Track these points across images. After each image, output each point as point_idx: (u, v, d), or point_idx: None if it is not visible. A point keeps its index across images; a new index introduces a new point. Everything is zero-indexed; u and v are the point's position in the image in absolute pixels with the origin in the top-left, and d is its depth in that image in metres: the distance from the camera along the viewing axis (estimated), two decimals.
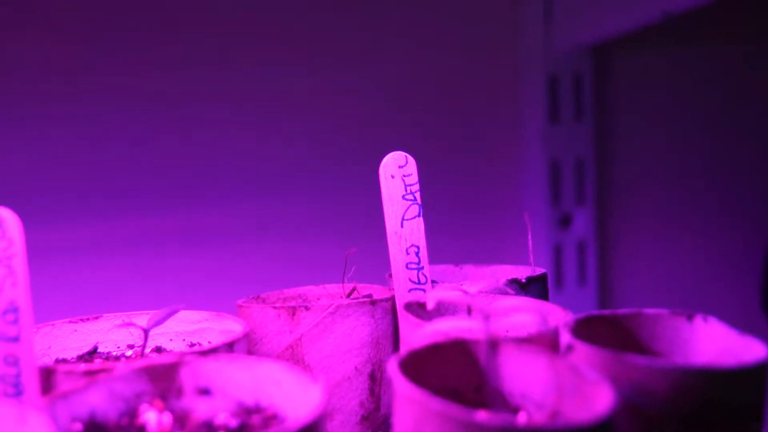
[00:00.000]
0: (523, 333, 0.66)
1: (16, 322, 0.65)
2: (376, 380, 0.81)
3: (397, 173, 0.80)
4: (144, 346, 0.78)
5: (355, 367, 0.80)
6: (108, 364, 0.67)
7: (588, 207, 1.46)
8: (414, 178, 0.80)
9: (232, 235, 1.32)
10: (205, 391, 0.66)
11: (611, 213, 1.50)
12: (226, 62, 1.31)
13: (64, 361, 0.81)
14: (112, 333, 0.84)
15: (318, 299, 0.92)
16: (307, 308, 0.79)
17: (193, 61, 1.30)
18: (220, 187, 1.31)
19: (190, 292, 1.25)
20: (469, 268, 0.96)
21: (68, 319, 0.84)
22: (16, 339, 0.66)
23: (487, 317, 0.61)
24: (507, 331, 0.69)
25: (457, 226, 1.33)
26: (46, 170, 1.25)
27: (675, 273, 1.53)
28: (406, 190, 0.80)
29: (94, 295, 1.23)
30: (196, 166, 1.30)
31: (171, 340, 0.83)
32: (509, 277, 0.86)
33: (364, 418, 0.81)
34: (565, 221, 1.45)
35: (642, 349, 0.72)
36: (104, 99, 1.27)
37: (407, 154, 0.80)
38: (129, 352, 0.83)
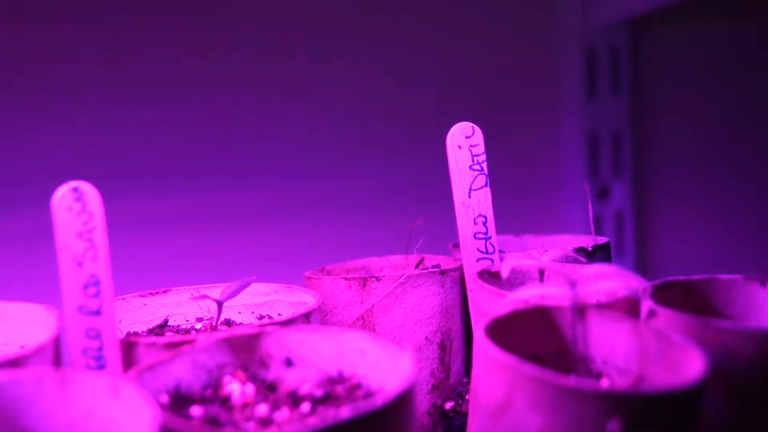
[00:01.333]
0: (602, 299, 0.65)
1: (97, 295, 0.64)
2: (445, 349, 0.80)
3: (464, 143, 0.78)
4: (218, 319, 0.77)
5: (426, 337, 0.79)
6: (189, 336, 0.65)
7: (625, 179, 1.44)
8: (481, 148, 0.79)
9: (296, 211, 1.30)
10: (287, 362, 0.64)
11: (648, 184, 1.48)
12: (278, 46, 1.30)
13: (136, 334, 0.80)
14: (182, 306, 0.83)
15: (381, 270, 0.90)
16: (377, 279, 0.77)
17: (246, 47, 1.29)
18: (281, 166, 1.30)
19: (252, 267, 1.23)
20: (528, 238, 0.95)
21: (138, 293, 0.82)
22: (98, 312, 0.64)
23: (573, 284, 0.59)
24: (586, 298, 0.67)
25: (497, 197, 1.32)
26: (123, 149, 1.24)
27: (711, 242, 1.52)
28: (473, 161, 0.79)
29: (163, 270, 1.22)
30: (261, 146, 1.29)
31: (240, 312, 0.82)
32: (573, 246, 0.85)
33: (435, 387, 0.80)
34: (603, 192, 1.43)
35: (716, 313, 0.70)
36: (174, 84, 1.26)
37: (474, 125, 0.79)
38: (198, 325, 0.81)
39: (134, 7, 1.23)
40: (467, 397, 0.79)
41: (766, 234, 1.52)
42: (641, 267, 1.48)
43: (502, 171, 1.38)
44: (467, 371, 0.82)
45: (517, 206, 1.40)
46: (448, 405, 0.80)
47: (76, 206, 0.63)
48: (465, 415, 0.77)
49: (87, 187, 0.64)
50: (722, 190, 1.51)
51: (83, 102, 1.22)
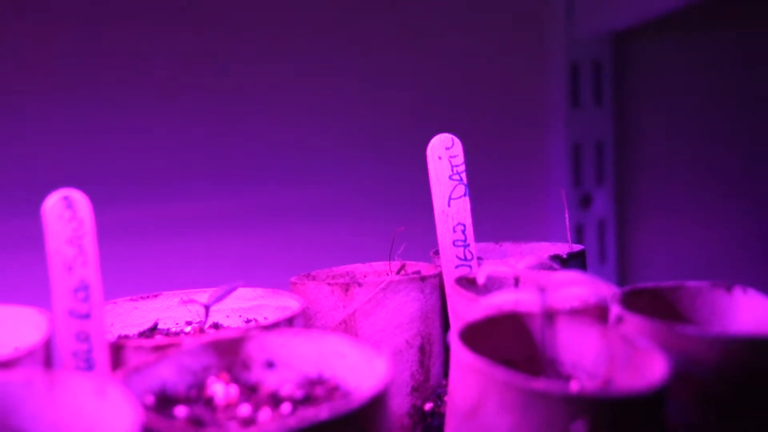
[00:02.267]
0: (572, 305, 0.66)
1: (86, 299, 0.65)
2: (425, 353, 0.81)
3: (444, 154, 0.79)
4: (205, 322, 0.78)
5: (406, 341, 0.80)
6: (176, 339, 0.66)
7: (607, 187, 1.45)
8: (460, 159, 0.80)
9: (282, 217, 1.31)
10: (269, 364, 0.65)
11: (629, 193, 1.49)
12: (278, 53, 1.31)
13: (126, 337, 0.81)
14: (171, 310, 0.84)
15: (365, 276, 0.91)
16: (359, 284, 0.78)
17: (246, 53, 1.29)
18: (268, 172, 1.31)
19: (240, 271, 1.24)
20: (507, 246, 0.96)
21: (129, 297, 0.83)
22: (87, 316, 0.65)
23: (543, 290, 0.60)
24: (556, 304, 0.68)
25: (482, 205, 1.33)
26: (111, 155, 1.24)
27: (690, 250, 1.53)
28: (452, 171, 0.80)
29: (152, 274, 1.23)
30: (247, 153, 1.30)
31: (228, 316, 0.82)
32: (549, 254, 0.86)
33: (414, 389, 0.81)
34: (585, 201, 1.44)
35: (683, 319, 0.71)
36: (169, 89, 1.27)
37: (453, 136, 0.80)
38: (187, 329, 0.82)
39: (135, 11, 1.24)
40: (445, 398, 0.80)
41: (742, 240, 1.53)
42: (622, 273, 1.49)
43: (488, 179, 1.39)
44: (446, 374, 0.83)
45: (503, 214, 1.41)
46: (428, 406, 0.81)
47: (66, 214, 0.64)
48: (443, 415, 0.78)
49: (77, 196, 0.64)
50: (701, 198, 1.52)
51: (74, 107, 1.23)
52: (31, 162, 1.21)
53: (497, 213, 1.39)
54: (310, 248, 1.31)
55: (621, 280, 1.49)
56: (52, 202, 0.64)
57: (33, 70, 1.21)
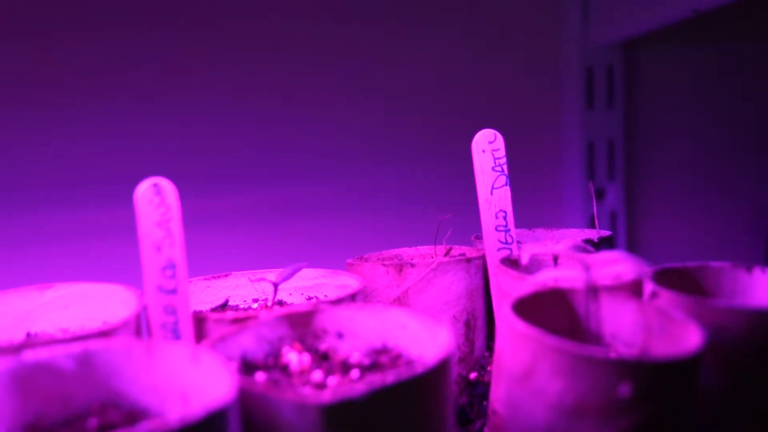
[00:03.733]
0: (609, 281, 0.67)
1: (173, 276, 0.66)
2: (470, 327, 0.82)
3: (487, 148, 0.81)
4: (274, 299, 0.79)
5: (453, 316, 0.81)
6: (253, 312, 0.67)
7: (618, 182, 1.46)
8: (502, 152, 0.81)
9: (335, 206, 1.32)
10: (338, 335, 0.66)
11: (638, 187, 1.50)
12: (328, 56, 1.32)
13: (201, 313, 0.82)
14: (240, 288, 0.85)
15: (412, 258, 0.92)
16: (412, 265, 0.79)
17: (302, 57, 1.31)
18: (325, 165, 1.33)
19: (299, 254, 1.26)
20: (540, 232, 0.97)
21: (203, 277, 0.85)
22: (174, 291, 0.67)
23: (587, 268, 0.61)
24: (596, 280, 0.69)
25: None
26: (190, 152, 1.26)
27: (693, 238, 1.54)
28: (495, 163, 0.81)
29: (224, 256, 1.25)
30: (307, 149, 1.32)
31: (290, 294, 0.84)
32: (581, 238, 0.87)
33: (461, 360, 0.82)
34: (598, 195, 1.45)
35: (708, 295, 0.72)
36: (243, 96, 1.29)
37: (496, 131, 0.81)
38: (255, 305, 0.83)
39: (202, 31, 1.26)
40: (489, 368, 0.81)
41: (741, 230, 1.54)
42: None
43: (510, 174, 1.40)
44: (488, 346, 0.84)
45: (524, 205, 1.41)
46: (472, 375, 0.82)
47: (155, 199, 0.66)
48: (486, 384, 0.79)
49: (165, 183, 0.66)
50: (704, 192, 1.53)
51: (161, 111, 1.25)
52: (117, 156, 1.23)
53: (518, 204, 1.39)
54: (361, 234, 1.33)
55: None
56: (143, 189, 0.65)
57: (119, 76, 1.23)
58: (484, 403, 0.77)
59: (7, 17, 1.17)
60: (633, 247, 1.50)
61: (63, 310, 0.77)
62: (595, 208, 0.89)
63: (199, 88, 1.26)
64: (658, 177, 1.51)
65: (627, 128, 1.46)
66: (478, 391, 0.79)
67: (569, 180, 1.45)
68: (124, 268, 1.06)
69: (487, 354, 0.83)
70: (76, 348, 0.58)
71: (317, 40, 1.31)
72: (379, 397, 0.50)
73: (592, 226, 1.42)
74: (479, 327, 0.83)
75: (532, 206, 1.44)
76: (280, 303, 0.82)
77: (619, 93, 1.44)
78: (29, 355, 0.57)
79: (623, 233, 1.47)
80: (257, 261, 1.23)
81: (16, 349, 0.58)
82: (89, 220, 1.22)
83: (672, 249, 1.52)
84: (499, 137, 0.80)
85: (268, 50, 1.29)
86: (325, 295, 0.82)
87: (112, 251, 1.21)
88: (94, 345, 0.58)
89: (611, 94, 1.44)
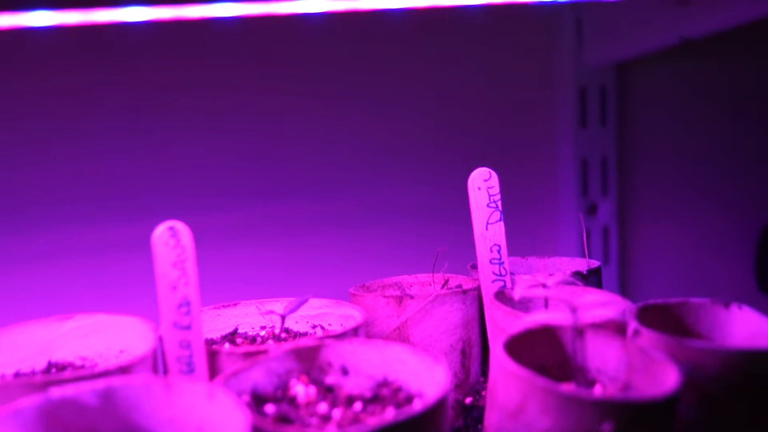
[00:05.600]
0: (595, 320, 0.71)
1: (188, 313, 0.71)
2: (466, 355, 0.86)
3: (482, 185, 0.85)
4: (281, 329, 0.83)
5: (450, 344, 0.85)
6: (263, 347, 0.72)
7: (611, 198, 1.50)
8: (496, 189, 0.85)
9: (337, 229, 1.36)
10: (342, 369, 0.71)
11: (631, 203, 1.53)
12: (329, 81, 1.36)
13: (212, 341, 0.86)
14: (248, 317, 0.89)
15: (411, 286, 0.96)
16: (411, 297, 0.84)
17: (302, 78, 1.35)
18: (329, 186, 1.36)
19: (303, 275, 1.30)
20: (533, 260, 1.01)
21: (213, 306, 0.89)
22: (188, 327, 0.71)
23: (574, 310, 0.65)
24: (583, 319, 0.74)
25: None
26: (196, 173, 1.30)
27: (684, 252, 1.57)
28: (489, 200, 0.85)
29: (227, 281, 1.28)
30: (310, 171, 1.35)
31: (296, 322, 0.88)
32: (569, 269, 0.91)
33: (457, 386, 0.86)
34: (591, 209, 1.49)
35: (688, 331, 0.76)
36: (239, 115, 1.32)
37: (491, 170, 0.85)
38: (262, 332, 0.88)
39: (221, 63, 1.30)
40: (483, 393, 0.86)
41: (730, 246, 1.58)
42: (623, 273, 1.54)
43: (508, 190, 1.43)
44: (483, 372, 0.89)
45: (517, 220, 1.45)
46: (468, 400, 0.86)
47: (171, 241, 0.70)
48: (481, 408, 0.83)
49: (180, 226, 0.70)
50: (694, 208, 1.56)
51: (175, 136, 1.29)
52: (134, 174, 1.27)
53: (512, 221, 1.43)
54: (363, 251, 1.36)
55: (622, 279, 1.54)
56: (160, 232, 0.70)
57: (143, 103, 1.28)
58: (479, 426, 0.81)
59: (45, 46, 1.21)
60: (624, 261, 1.54)
61: (82, 339, 0.81)
62: (584, 237, 0.94)
63: (204, 105, 1.29)
64: (649, 192, 1.54)
65: (620, 145, 1.50)
66: (474, 415, 0.83)
67: (564, 194, 1.49)
68: (139, 287, 1.10)
69: (482, 379, 0.88)
70: (100, 384, 0.62)
71: (320, 65, 1.34)
72: None
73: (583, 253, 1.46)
74: (474, 354, 0.87)
75: (527, 222, 1.48)
76: (287, 331, 0.87)
77: (612, 112, 1.48)
78: (56, 392, 0.61)
79: (615, 247, 1.51)
80: (263, 280, 1.27)
81: (44, 385, 0.63)
82: (105, 237, 1.25)
83: (663, 262, 1.56)
84: (494, 175, 0.84)
85: (272, 70, 1.32)
86: (329, 324, 0.86)
87: (127, 269, 1.24)
88: (117, 381, 0.62)
89: (604, 112, 1.47)
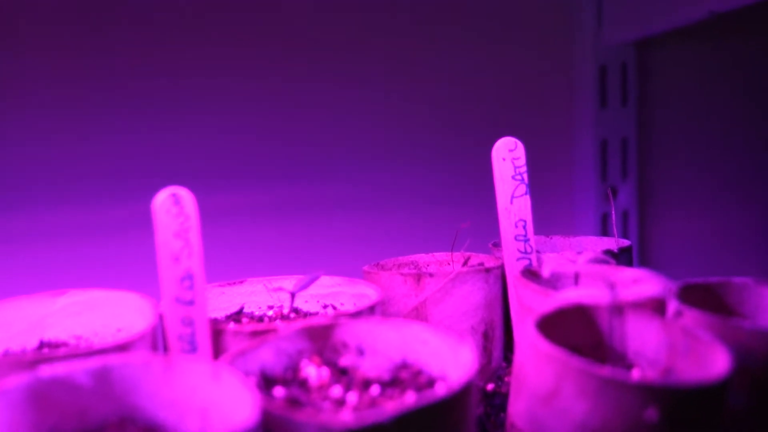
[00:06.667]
0: (633, 298, 0.66)
1: (191, 288, 0.66)
2: (488, 338, 0.81)
3: (507, 156, 0.79)
4: (291, 308, 0.78)
5: (471, 326, 0.80)
6: (272, 325, 0.67)
7: (631, 181, 1.45)
8: (522, 160, 0.80)
9: (350, 205, 1.31)
10: (358, 349, 0.66)
11: (651, 186, 1.49)
12: (349, 56, 1.30)
13: (216, 320, 0.81)
14: (255, 295, 0.84)
15: (428, 265, 0.91)
16: (431, 275, 0.78)
17: (320, 57, 1.29)
18: (343, 164, 1.31)
19: (313, 256, 1.25)
20: (557, 239, 0.96)
21: (217, 283, 0.84)
22: (191, 302, 0.66)
23: (612, 286, 0.60)
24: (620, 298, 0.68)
25: None
26: (205, 144, 1.25)
27: (705, 238, 1.53)
28: (515, 171, 0.80)
29: (237, 255, 1.23)
30: (323, 145, 1.30)
31: (306, 302, 0.83)
32: (600, 248, 0.86)
33: (478, 372, 0.81)
34: (611, 193, 1.44)
35: (730, 312, 0.71)
36: (257, 88, 1.27)
37: (516, 140, 0.79)
38: (270, 312, 0.82)
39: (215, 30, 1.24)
40: (506, 379, 0.81)
41: (753, 230, 1.53)
42: (642, 257, 1.49)
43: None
44: (506, 357, 0.83)
45: (535, 203, 1.40)
46: (490, 386, 0.81)
47: (174, 209, 0.65)
48: (504, 395, 0.78)
49: (184, 193, 0.65)
50: (716, 191, 1.52)
51: (182, 113, 1.24)
52: (131, 153, 1.21)
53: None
54: (377, 234, 1.31)
55: (642, 262, 1.49)
56: (162, 199, 0.64)
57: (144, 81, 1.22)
58: (501, 414, 0.76)
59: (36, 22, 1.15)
60: (644, 246, 1.49)
61: (76, 317, 0.76)
62: (614, 216, 0.88)
63: (215, 84, 1.24)
64: (671, 175, 1.50)
65: (640, 127, 1.45)
66: (496, 402, 0.78)
67: (582, 178, 1.44)
68: (137, 267, 1.05)
69: (504, 364, 0.82)
70: (94, 363, 0.57)
71: (335, 44, 1.29)
72: (404, 420, 0.49)
73: (605, 230, 1.41)
74: (497, 337, 0.82)
75: (544, 204, 1.43)
76: (296, 311, 0.82)
77: (632, 91, 1.43)
78: (46, 371, 0.56)
79: (635, 231, 1.46)
80: (272, 259, 1.22)
81: (33, 364, 0.58)
82: (103, 218, 1.20)
83: (684, 248, 1.51)
84: (520, 145, 0.79)
85: (287, 49, 1.27)
86: (342, 303, 0.81)
87: (126, 251, 1.19)
88: (113, 360, 0.57)
89: (625, 92, 1.43)
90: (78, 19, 1.17)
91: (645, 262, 1.49)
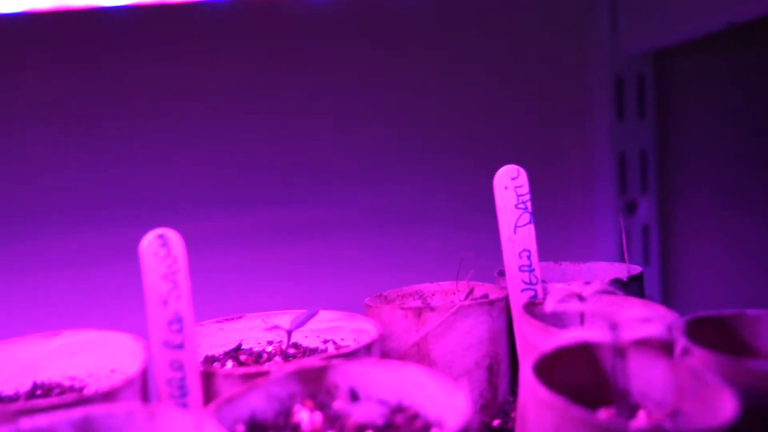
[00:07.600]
0: (639, 336, 0.63)
1: (180, 331, 0.64)
2: (493, 372, 0.79)
3: (510, 184, 0.77)
4: (288, 345, 0.77)
5: (475, 361, 0.78)
6: (263, 368, 0.65)
7: (651, 195, 1.42)
8: (525, 188, 0.77)
9: (353, 232, 1.28)
10: (351, 392, 0.64)
11: (672, 200, 1.45)
12: (347, 75, 1.28)
13: (213, 357, 0.80)
14: (253, 331, 0.83)
15: (433, 295, 0.89)
16: (432, 309, 0.76)
17: (317, 75, 1.27)
18: (345, 185, 1.28)
19: (316, 288, 1.23)
20: (567, 265, 0.93)
21: (215, 320, 0.82)
22: (180, 346, 0.64)
23: (614, 327, 0.58)
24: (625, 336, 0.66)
25: (534, 212, 1.30)
26: (195, 170, 1.22)
27: (728, 253, 1.49)
28: (518, 200, 0.77)
29: (232, 294, 1.20)
30: (325, 167, 1.27)
31: (306, 336, 0.81)
32: (607, 276, 0.83)
33: (483, 407, 0.79)
34: (630, 208, 1.41)
35: (744, 344, 0.69)
36: (250, 111, 1.24)
37: (519, 167, 0.77)
38: (269, 348, 0.81)
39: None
40: (513, 415, 0.78)
41: None
42: (665, 275, 1.46)
43: (537, 187, 1.36)
44: (512, 391, 0.81)
45: (549, 221, 1.37)
46: (496, 422, 0.79)
47: (161, 251, 0.63)
48: (511, 431, 0.76)
49: (171, 234, 0.63)
50: (739, 204, 1.48)
51: (180, 141, 1.21)
52: (123, 181, 1.19)
53: (543, 221, 1.35)
54: (382, 264, 1.28)
55: (663, 283, 1.45)
56: (148, 241, 0.63)
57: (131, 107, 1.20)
58: None
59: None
60: (666, 262, 1.46)
61: (70, 357, 0.75)
62: (624, 240, 0.86)
63: (207, 107, 1.22)
64: (692, 189, 1.46)
65: (659, 139, 1.42)
66: None
67: (600, 192, 1.41)
68: (132, 300, 1.03)
69: (511, 398, 0.80)
70: (77, 414, 0.56)
71: (335, 60, 1.27)
72: None
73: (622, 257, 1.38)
74: (503, 371, 0.80)
75: (562, 221, 1.40)
76: (296, 346, 0.80)
77: (650, 103, 1.40)
78: (27, 423, 0.55)
79: (656, 247, 1.43)
80: (272, 287, 1.19)
81: (16, 414, 0.56)
82: (96, 246, 1.18)
83: (707, 265, 1.47)
84: (522, 173, 0.77)
85: (280, 69, 1.25)
86: (342, 339, 0.79)
87: (118, 281, 1.16)
88: (96, 410, 0.56)
89: (642, 103, 1.40)
90: (51, 36, 1.14)
91: (667, 280, 1.46)
